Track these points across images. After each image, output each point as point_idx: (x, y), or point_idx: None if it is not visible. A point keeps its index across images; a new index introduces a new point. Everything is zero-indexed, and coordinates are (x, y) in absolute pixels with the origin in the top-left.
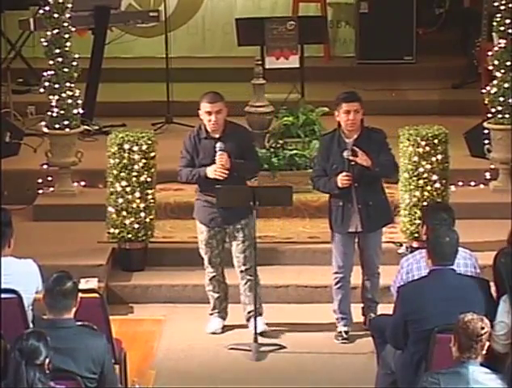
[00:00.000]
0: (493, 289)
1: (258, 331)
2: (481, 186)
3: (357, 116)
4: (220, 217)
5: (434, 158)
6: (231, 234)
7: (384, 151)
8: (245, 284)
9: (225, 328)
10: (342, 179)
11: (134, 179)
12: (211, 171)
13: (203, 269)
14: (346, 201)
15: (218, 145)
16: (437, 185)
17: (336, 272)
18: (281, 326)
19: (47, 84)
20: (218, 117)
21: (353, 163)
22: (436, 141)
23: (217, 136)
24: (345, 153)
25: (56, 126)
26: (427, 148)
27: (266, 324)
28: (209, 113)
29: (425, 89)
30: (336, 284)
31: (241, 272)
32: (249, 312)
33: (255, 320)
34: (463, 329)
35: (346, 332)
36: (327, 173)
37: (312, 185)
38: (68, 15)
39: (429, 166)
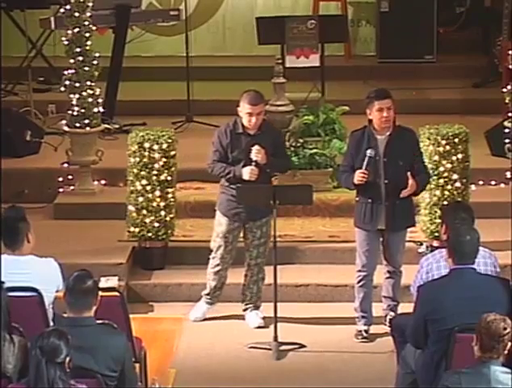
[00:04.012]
0: None
1: (254, 326)
2: (502, 185)
3: (390, 113)
4: (245, 212)
5: (454, 157)
6: (250, 229)
7: (417, 157)
8: (251, 277)
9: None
10: (357, 175)
11: (154, 177)
12: (247, 173)
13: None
14: (375, 198)
15: (255, 147)
16: (457, 184)
17: (359, 270)
18: (301, 325)
19: (67, 83)
20: (258, 118)
21: (385, 159)
22: (457, 140)
23: (253, 132)
24: (368, 151)
25: (77, 125)
26: (448, 147)
27: (281, 319)
28: (250, 114)
29: (445, 88)
30: (359, 282)
31: (250, 265)
32: (246, 304)
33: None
34: (486, 329)
35: (366, 331)
36: (354, 169)
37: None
38: (88, 14)
39: (449, 165)
